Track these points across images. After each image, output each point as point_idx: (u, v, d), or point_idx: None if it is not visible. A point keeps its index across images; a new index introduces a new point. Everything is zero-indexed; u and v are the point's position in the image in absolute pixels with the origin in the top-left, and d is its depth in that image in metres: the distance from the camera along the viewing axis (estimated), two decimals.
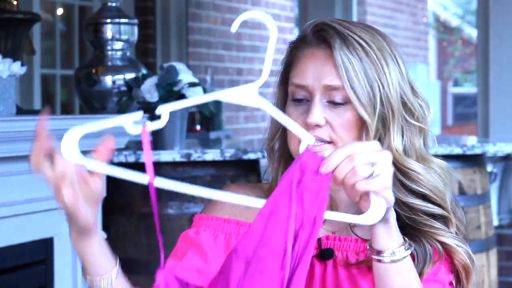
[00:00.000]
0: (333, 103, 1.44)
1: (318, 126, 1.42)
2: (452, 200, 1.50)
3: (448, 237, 1.44)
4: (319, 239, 1.46)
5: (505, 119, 4.80)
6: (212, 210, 1.54)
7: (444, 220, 1.46)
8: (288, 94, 1.50)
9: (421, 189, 1.44)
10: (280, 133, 1.52)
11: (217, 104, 4.93)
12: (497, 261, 3.66)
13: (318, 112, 1.42)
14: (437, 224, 1.45)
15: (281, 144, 1.52)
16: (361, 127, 1.44)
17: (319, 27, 1.47)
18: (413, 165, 1.44)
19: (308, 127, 1.42)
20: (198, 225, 1.53)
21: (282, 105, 1.51)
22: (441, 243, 1.44)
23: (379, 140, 1.43)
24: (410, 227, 1.44)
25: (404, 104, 1.46)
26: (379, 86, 1.43)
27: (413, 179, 1.44)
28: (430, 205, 1.45)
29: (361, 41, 1.44)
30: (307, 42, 1.48)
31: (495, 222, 4.50)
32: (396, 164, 1.42)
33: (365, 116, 1.42)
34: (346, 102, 1.43)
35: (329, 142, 1.43)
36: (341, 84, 1.42)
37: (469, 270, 1.46)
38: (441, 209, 1.45)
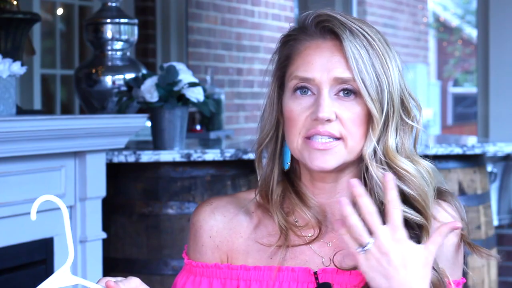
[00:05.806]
0: (341, 97, 1.38)
1: (328, 121, 1.36)
2: (456, 200, 1.46)
3: None
4: (315, 273, 1.41)
5: (505, 119, 4.79)
6: (198, 253, 1.49)
7: (420, 229, 1.38)
8: (283, 88, 1.43)
9: (410, 191, 1.37)
10: (273, 133, 1.45)
11: (217, 104, 4.93)
12: (497, 261, 3.66)
13: (329, 106, 1.36)
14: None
15: (273, 147, 1.46)
16: (368, 123, 1.38)
17: (322, 18, 1.41)
18: (407, 166, 1.38)
19: (317, 122, 1.37)
20: (193, 273, 1.49)
21: (276, 100, 1.45)
22: None
23: (378, 137, 1.38)
24: None
25: (402, 102, 1.41)
26: (385, 81, 1.38)
27: (405, 180, 1.38)
28: (411, 211, 1.37)
29: (365, 33, 1.39)
30: (308, 34, 1.41)
31: (495, 222, 4.49)
32: (390, 164, 1.38)
33: (374, 111, 1.37)
34: (355, 95, 1.38)
35: (339, 138, 1.37)
36: (351, 77, 1.37)
37: None
38: (420, 217, 1.37)
